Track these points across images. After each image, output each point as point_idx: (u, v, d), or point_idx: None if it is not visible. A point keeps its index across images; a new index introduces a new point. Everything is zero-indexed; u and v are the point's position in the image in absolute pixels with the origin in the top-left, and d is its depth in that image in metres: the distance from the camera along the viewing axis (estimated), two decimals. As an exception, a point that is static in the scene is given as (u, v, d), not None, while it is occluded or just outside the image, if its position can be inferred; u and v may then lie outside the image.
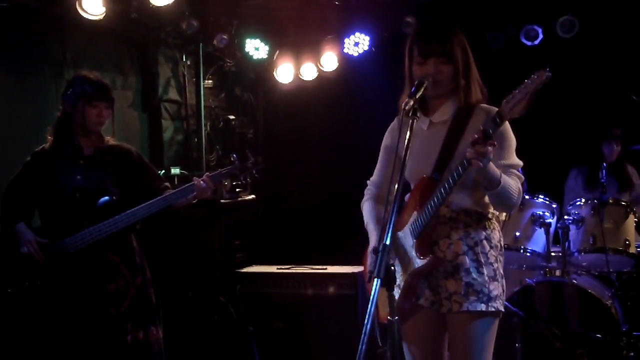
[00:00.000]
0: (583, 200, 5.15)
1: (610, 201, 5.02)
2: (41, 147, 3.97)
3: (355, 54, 6.78)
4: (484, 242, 2.93)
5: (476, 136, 2.61)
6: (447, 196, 2.78)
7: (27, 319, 3.77)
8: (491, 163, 2.71)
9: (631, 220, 5.06)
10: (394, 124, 3.19)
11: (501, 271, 2.98)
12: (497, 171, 2.76)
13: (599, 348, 4.66)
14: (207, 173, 3.92)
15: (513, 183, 2.84)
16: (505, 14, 6.44)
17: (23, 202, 3.92)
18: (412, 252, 2.91)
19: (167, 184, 4.11)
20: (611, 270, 5.03)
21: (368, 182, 3.31)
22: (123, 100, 6.07)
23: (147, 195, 3.89)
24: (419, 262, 2.87)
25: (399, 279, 2.96)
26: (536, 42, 6.35)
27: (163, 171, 5.80)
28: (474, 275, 2.88)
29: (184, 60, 6.70)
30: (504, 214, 4.81)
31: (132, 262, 3.95)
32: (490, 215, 2.98)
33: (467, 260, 2.89)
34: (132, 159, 4.04)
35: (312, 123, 7.60)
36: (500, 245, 3.02)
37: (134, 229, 4.00)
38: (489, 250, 2.93)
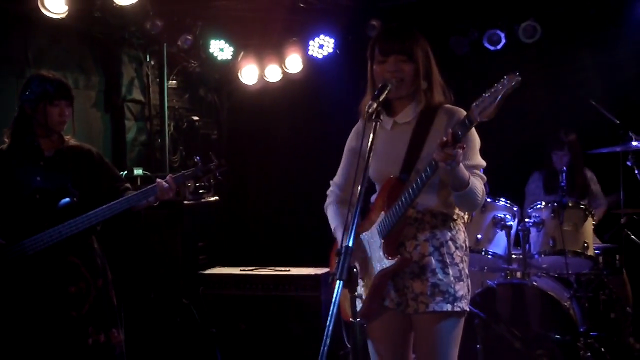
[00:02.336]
0: (543, 203, 5.22)
1: (570, 204, 5.11)
2: (-1, 148, 3.91)
3: (320, 56, 6.80)
4: (450, 242, 2.96)
5: (445, 138, 2.62)
6: (415, 197, 2.80)
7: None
8: (461, 164, 2.73)
9: (590, 223, 5.15)
10: (358, 126, 3.19)
11: (466, 271, 3.01)
12: (466, 173, 2.79)
13: (557, 348, 4.73)
14: (170, 175, 3.90)
15: (478, 184, 2.87)
16: (469, 19, 6.51)
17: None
18: (380, 253, 2.92)
19: (128, 184, 4.06)
20: (570, 272, 5.11)
21: (331, 182, 3.31)
22: (86, 100, 6.01)
23: (108, 197, 3.84)
24: (387, 263, 2.89)
25: (365, 280, 2.97)
26: (499, 46, 6.43)
27: (125, 172, 5.74)
28: (440, 275, 2.91)
29: (148, 60, 6.66)
30: (467, 215, 4.86)
31: (93, 263, 3.90)
32: (455, 217, 3.01)
33: (433, 261, 2.92)
34: (92, 159, 3.99)
35: (277, 125, 7.59)
36: (466, 245, 3.05)
37: (95, 231, 3.95)
38: (454, 251, 2.96)
